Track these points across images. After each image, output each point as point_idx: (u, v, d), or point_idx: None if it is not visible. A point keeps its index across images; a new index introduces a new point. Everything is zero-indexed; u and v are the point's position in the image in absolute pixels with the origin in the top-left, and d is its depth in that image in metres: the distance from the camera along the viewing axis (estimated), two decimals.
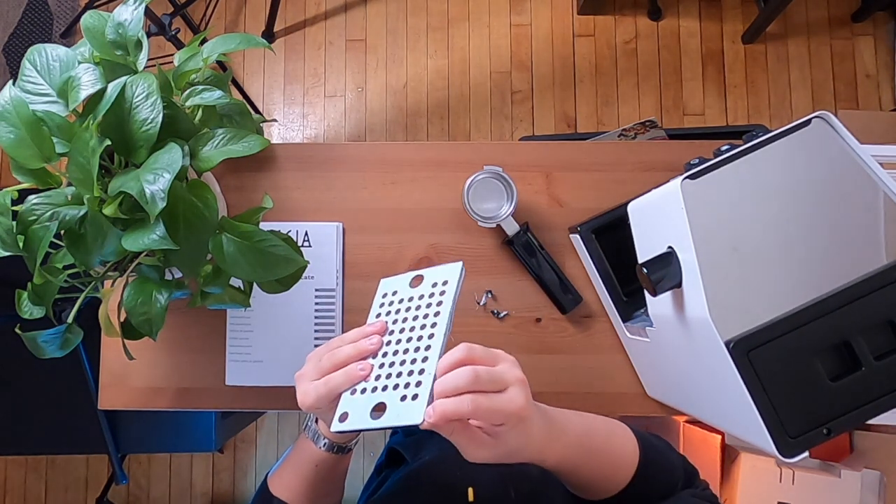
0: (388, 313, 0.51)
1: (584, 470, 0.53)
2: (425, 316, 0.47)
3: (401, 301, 0.51)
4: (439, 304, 0.47)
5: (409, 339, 0.47)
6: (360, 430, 0.45)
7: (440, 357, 0.44)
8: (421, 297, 0.49)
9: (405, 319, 0.49)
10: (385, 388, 0.45)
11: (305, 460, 0.58)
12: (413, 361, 0.45)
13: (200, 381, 0.82)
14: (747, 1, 1.94)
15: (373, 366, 0.47)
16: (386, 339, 0.49)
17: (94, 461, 1.87)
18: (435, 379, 0.43)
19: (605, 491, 0.56)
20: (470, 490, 0.61)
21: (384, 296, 0.53)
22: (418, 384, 0.43)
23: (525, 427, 0.45)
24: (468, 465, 0.67)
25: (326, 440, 0.56)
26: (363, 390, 0.46)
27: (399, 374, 0.45)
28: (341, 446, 0.57)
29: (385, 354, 0.47)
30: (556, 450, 0.49)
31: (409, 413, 0.42)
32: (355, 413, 0.45)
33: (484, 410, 0.42)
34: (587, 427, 0.55)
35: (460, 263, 0.49)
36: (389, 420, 0.43)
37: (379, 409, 0.44)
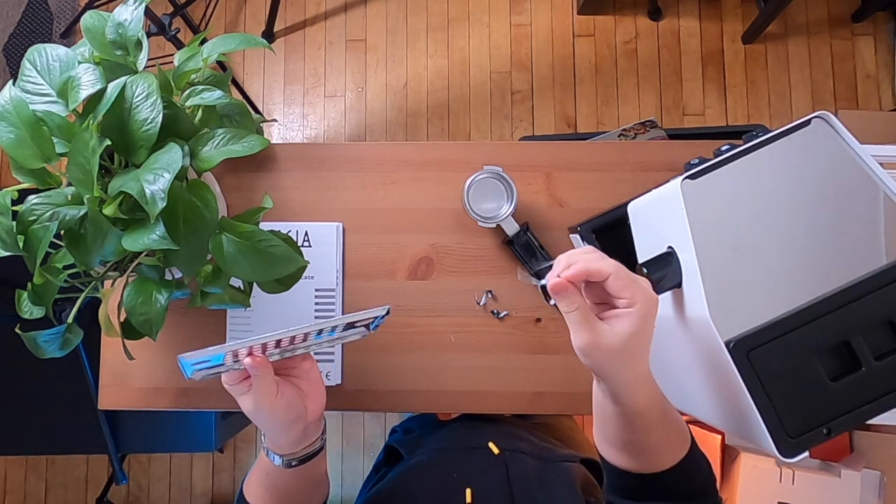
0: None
1: (654, 430, 0.51)
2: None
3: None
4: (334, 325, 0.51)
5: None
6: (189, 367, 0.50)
7: (273, 346, 0.49)
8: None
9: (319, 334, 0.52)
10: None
11: (264, 472, 0.58)
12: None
13: (200, 380, 0.82)
14: (747, 1, 1.94)
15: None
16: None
17: (94, 461, 1.87)
18: (247, 357, 0.50)
19: (653, 463, 0.53)
20: (468, 491, 0.61)
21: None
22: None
23: (650, 322, 0.45)
24: (466, 467, 0.67)
25: (276, 455, 0.56)
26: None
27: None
28: (289, 461, 0.56)
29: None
30: (649, 390, 0.49)
31: None
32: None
33: (626, 274, 0.44)
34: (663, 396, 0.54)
35: (386, 307, 0.52)
36: None
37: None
